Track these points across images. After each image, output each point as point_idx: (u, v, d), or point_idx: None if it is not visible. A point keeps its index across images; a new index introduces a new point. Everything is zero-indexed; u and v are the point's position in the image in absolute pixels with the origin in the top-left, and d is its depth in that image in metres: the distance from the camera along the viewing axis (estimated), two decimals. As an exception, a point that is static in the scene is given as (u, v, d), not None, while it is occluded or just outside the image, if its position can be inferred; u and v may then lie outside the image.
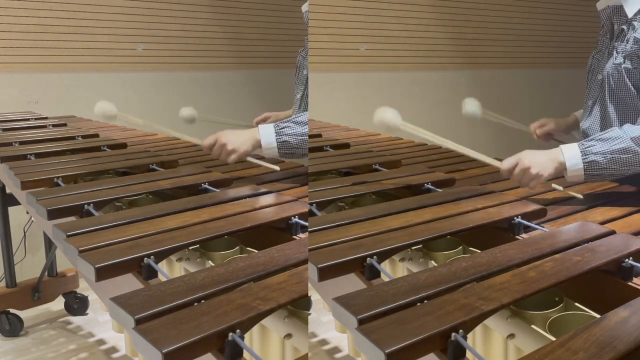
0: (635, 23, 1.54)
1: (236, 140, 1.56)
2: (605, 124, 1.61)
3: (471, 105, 1.89)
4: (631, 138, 1.37)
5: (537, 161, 1.38)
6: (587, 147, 1.38)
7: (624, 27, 1.58)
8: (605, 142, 1.38)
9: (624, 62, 1.54)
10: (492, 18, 4.32)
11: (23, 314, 2.71)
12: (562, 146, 1.40)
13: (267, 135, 1.52)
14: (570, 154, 1.38)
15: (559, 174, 1.40)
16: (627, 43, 1.54)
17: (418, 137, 1.52)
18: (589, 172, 1.37)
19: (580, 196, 1.42)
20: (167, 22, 3.74)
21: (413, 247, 1.13)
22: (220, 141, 1.55)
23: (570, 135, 1.95)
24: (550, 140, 1.96)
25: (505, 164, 1.40)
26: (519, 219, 1.19)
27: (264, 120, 2.27)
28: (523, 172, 1.37)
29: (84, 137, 2.24)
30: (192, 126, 2.22)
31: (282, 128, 1.52)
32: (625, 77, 1.54)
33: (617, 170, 1.38)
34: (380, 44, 3.87)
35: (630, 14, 1.56)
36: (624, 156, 1.36)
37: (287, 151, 1.53)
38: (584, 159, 1.37)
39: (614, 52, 1.58)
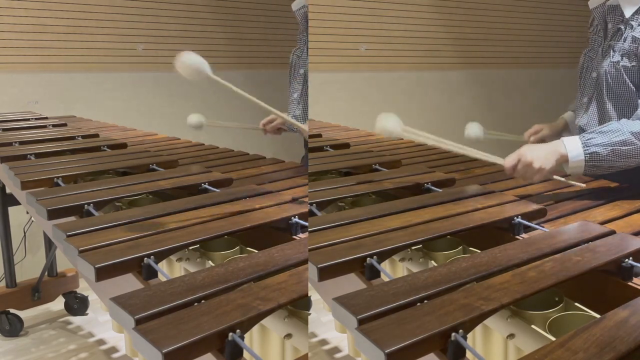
0: (633, 23, 1.56)
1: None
2: (603, 121, 1.63)
3: (474, 129, 1.87)
4: (630, 132, 1.42)
5: (539, 155, 1.41)
6: (588, 139, 1.43)
7: (621, 26, 1.59)
8: (605, 134, 1.43)
9: (622, 60, 1.56)
10: (492, 18, 4.32)
11: (23, 314, 2.71)
12: (563, 139, 1.45)
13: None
14: (572, 146, 1.42)
15: (560, 166, 1.43)
16: (625, 42, 1.56)
17: (421, 141, 1.55)
18: (590, 164, 1.42)
19: (583, 185, 1.46)
20: (167, 22, 3.74)
21: (413, 247, 1.13)
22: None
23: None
24: None
25: (508, 162, 1.43)
26: (519, 219, 1.20)
27: (270, 122, 2.21)
28: (526, 168, 1.41)
29: (84, 137, 2.24)
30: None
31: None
32: (624, 75, 1.57)
33: (616, 161, 1.43)
34: (380, 44, 3.87)
35: (628, 14, 1.57)
36: (624, 148, 1.42)
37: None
38: (585, 150, 1.42)
39: (611, 51, 1.60)
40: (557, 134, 1.92)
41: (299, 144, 2.32)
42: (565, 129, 1.93)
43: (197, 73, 1.40)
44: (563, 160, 1.42)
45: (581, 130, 1.66)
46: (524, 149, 1.43)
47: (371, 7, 3.81)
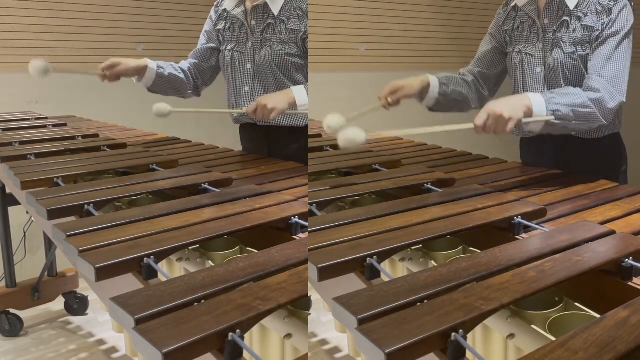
0: (579, 14, 1.65)
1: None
2: None
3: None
4: (588, 97, 1.53)
5: (507, 106, 1.46)
6: (551, 98, 1.51)
7: (566, 18, 1.66)
8: (566, 96, 1.53)
9: (577, 50, 1.65)
10: (492, 18, 4.32)
11: (23, 314, 2.71)
12: (527, 94, 1.53)
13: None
14: (536, 101, 1.50)
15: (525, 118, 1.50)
16: (576, 32, 1.65)
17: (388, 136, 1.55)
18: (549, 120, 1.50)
19: (553, 118, 1.51)
20: (167, 22, 3.74)
21: (413, 247, 1.13)
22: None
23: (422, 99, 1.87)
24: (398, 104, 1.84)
25: (478, 120, 1.45)
26: (519, 219, 1.20)
27: (111, 67, 2.06)
28: (497, 120, 1.44)
29: (84, 137, 2.24)
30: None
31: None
32: (581, 64, 1.65)
33: (573, 121, 1.52)
34: (380, 44, 3.87)
35: (572, 6, 1.65)
36: (582, 110, 1.52)
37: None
38: (548, 106, 1.50)
39: (561, 43, 1.67)
40: (416, 91, 1.83)
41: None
42: (426, 90, 1.83)
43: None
44: (528, 113, 1.48)
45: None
46: (491, 104, 1.47)
47: (371, 7, 3.81)
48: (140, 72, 2.10)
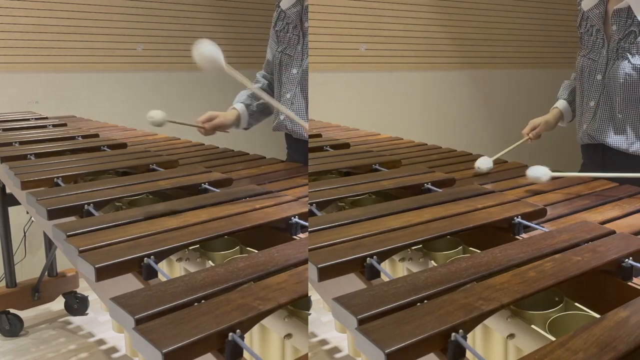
0: None
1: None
2: (617, 126, 1.66)
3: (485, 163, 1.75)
4: None
5: None
6: None
7: (634, 29, 1.60)
8: None
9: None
10: (492, 18, 4.32)
11: (23, 314, 2.71)
12: None
13: None
14: None
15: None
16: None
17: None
18: None
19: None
20: (167, 22, 3.74)
21: (413, 247, 1.13)
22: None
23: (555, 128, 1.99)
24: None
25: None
26: (519, 219, 1.20)
27: (209, 120, 2.03)
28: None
29: (84, 137, 2.24)
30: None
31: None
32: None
33: None
34: (380, 44, 3.86)
35: None
36: None
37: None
38: None
39: (627, 54, 1.61)
40: (553, 126, 1.94)
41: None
42: (560, 119, 1.96)
43: (212, 63, 1.35)
44: None
45: (590, 137, 1.66)
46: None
47: (371, 7, 3.81)
48: (237, 121, 2.05)
